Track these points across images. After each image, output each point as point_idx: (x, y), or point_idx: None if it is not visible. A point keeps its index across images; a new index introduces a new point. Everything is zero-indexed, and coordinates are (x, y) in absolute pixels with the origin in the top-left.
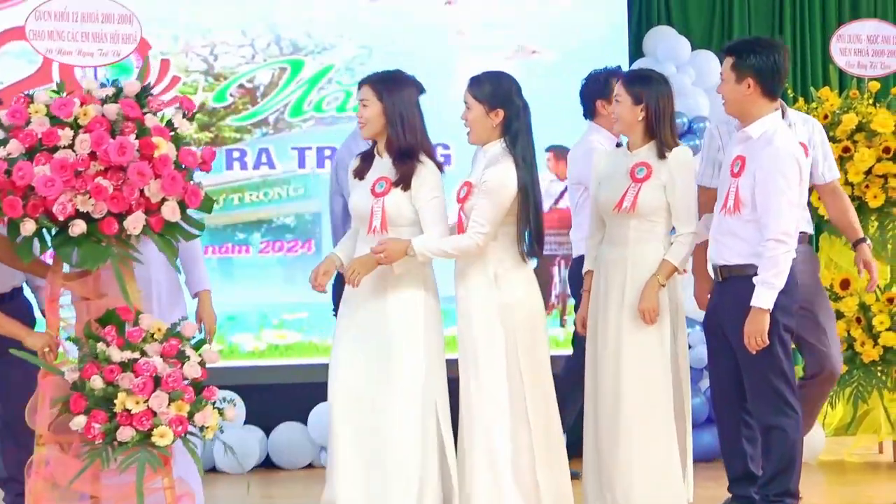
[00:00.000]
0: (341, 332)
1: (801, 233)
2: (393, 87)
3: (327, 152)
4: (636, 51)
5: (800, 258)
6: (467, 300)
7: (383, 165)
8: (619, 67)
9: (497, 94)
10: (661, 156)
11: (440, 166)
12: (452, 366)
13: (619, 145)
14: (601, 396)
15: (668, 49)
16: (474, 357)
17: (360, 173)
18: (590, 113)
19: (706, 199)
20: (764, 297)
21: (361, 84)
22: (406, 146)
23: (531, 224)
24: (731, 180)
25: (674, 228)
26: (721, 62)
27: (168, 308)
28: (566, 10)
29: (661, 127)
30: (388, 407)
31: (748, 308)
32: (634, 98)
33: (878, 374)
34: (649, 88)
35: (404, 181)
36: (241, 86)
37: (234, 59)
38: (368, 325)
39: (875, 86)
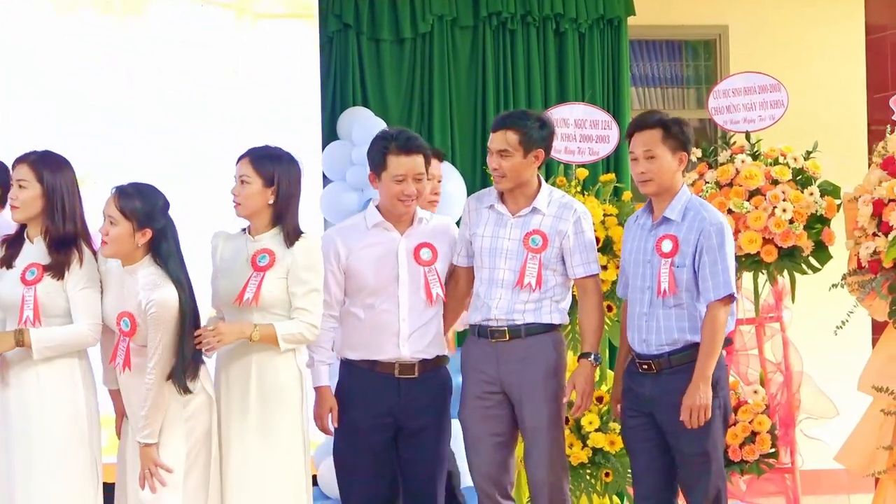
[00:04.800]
0: None
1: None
2: (55, 168)
3: None
4: (330, 133)
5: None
6: None
7: (35, 251)
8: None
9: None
10: (289, 243)
11: (96, 254)
12: None
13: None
14: None
15: (364, 130)
16: None
17: (7, 261)
18: None
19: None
20: None
21: (17, 163)
22: (65, 233)
23: None
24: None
25: None
26: None
27: None
28: (255, 91)
29: (289, 212)
30: None
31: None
32: (266, 179)
33: (588, 477)
34: (281, 168)
35: (58, 269)
36: None
37: None
38: None
39: (583, 173)
